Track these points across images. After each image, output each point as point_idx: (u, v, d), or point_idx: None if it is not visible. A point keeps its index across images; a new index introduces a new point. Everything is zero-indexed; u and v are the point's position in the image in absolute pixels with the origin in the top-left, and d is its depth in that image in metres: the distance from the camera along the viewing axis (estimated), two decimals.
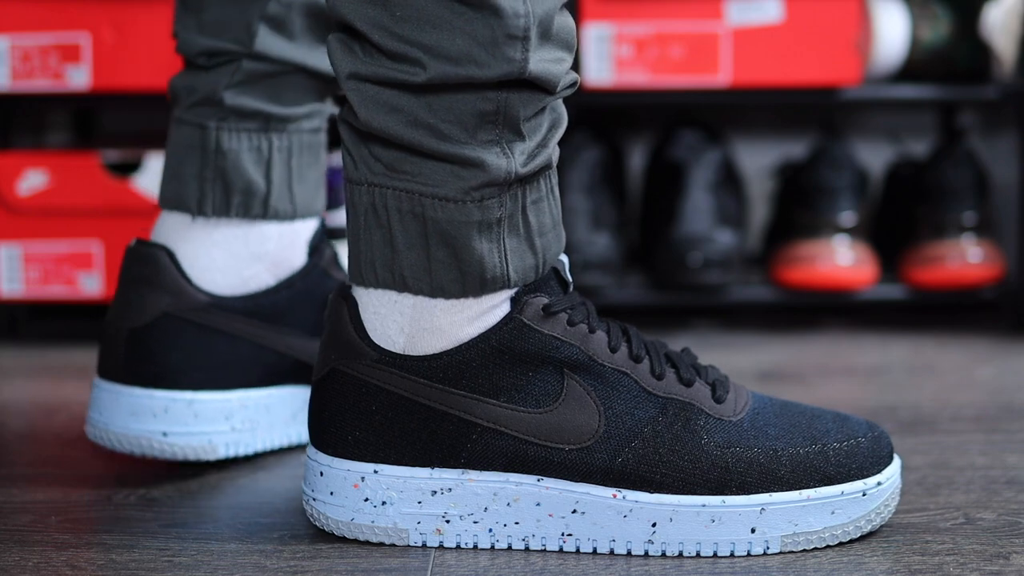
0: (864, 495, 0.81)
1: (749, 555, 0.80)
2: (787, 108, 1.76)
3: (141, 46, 1.40)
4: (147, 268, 0.95)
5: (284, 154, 0.98)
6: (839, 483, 0.81)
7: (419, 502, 0.81)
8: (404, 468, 0.81)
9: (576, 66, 1.44)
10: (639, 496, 0.80)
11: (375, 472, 0.81)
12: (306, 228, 1.01)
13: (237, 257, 0.97)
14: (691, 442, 0.80)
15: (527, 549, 0.81)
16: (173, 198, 0.97)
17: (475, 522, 0.81)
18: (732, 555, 0.80)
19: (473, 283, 0.79)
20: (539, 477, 0.80)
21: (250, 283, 0.98)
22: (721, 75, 1.44)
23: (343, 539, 0.82)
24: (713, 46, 1.43)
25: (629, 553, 0.80)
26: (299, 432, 1.01)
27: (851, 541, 0.82)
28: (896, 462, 0.84)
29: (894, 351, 1.41)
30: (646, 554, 0.80)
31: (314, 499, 0.82)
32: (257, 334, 0.97)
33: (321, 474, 0.82)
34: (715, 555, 0.80)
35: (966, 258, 1.49)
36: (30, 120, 1.67)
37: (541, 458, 0.80)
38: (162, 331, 0.95)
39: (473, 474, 0.80)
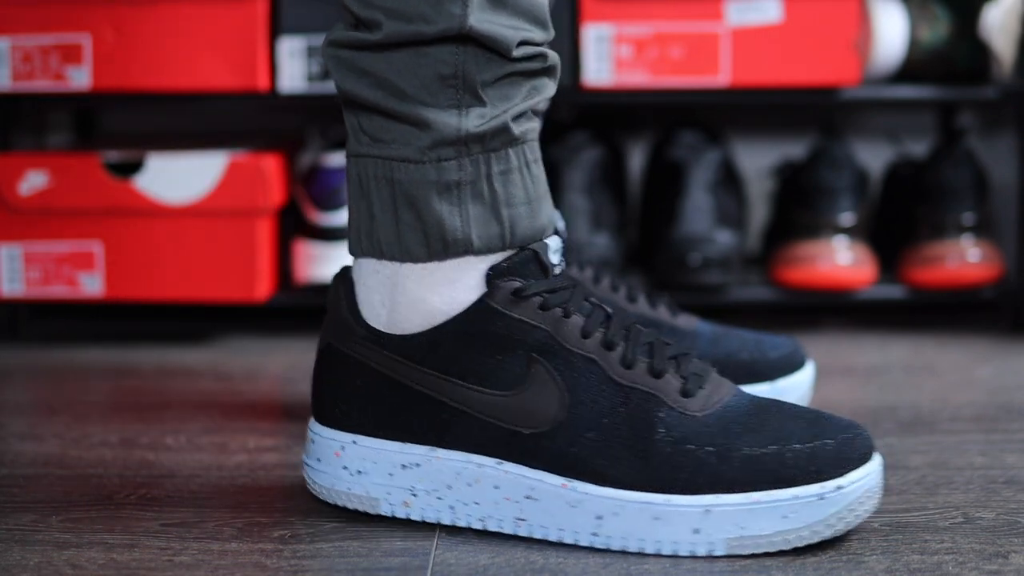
0: (821, 499, 0.79)
1: (693, 556, 0.79)
2: (786, 108, 1.77)
3: (142, 47, 1.40)
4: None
5: None
6: (792, 486, 0.79)
7: (390, 474, 0.84)
8: (379, 441, 0.84)
9: (576, 66, 1.45)
10: (588, 488, 0.80)
11: (354, 443, 0.85)
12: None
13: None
14: (646, 437, 0.80)
15: (485, 530, 0.82)
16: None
17: (439, 498, 0.83)
18: (676, 555, 0.79)
19: (437, 245, 0.82)
20: (500, 460, 0.82)
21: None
22: (721, 75, 1.44)
23: (343, 539, 0.82)
24: (713, 46, 1.43)
25: (576, 544, 0.81)
26: None
27: (850, 540, 0.82)
28: (870, 465, 0.81)
29: (893, 351, 1.41)
30: (592, 547, 0.80)
31: (307, 464, 0.88)
32: None
33: (313, 441, 0.87)
34: (658, 554, 0.79)
35: (965, 258, 1.49)
36: (31, 120, 1.67)
37: (503, 441, 0.81)
38: None
39: (441, 452, 0.83)
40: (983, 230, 1.51)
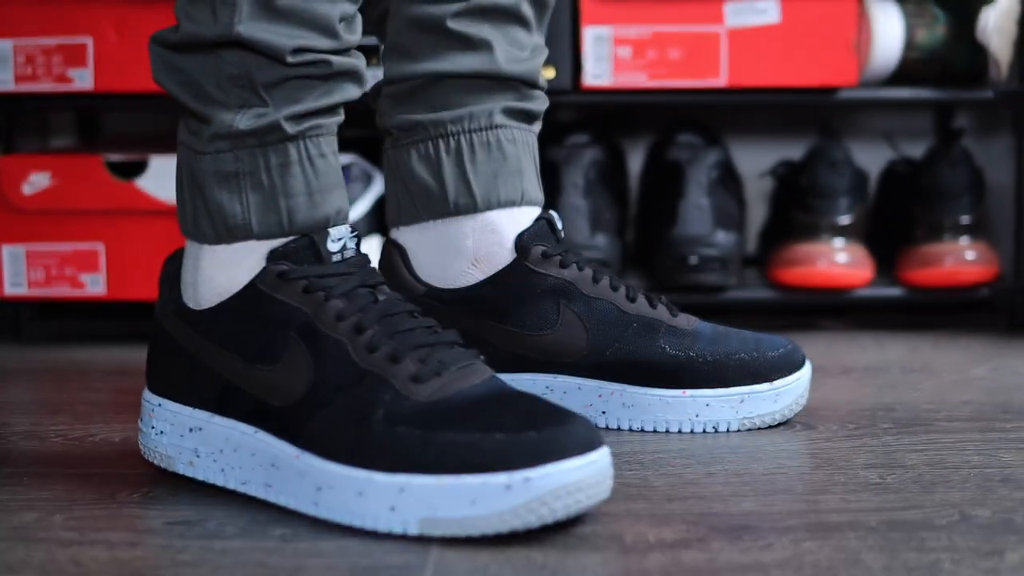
0: (508, 489, 0.79)
1: (391, 533, 0.82)
2: (785, 109, 1.77)
3: (144, 48, 1.40)
4: (382, 262, 1.10)
5: (453, 155, 1.06)
6: (481, 473, 0.80)
7: (181, 436, 0.92)
8: (177, 405, 0.93)
9: (576, 67, 1.46)
10: (312, 460, 0.85)
11: (160, 405, 0.94)
12: (509, 224, 1.07)
13: (444, 253, 1.08)
14: (365, 416, 0.83)
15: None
16: (389, 210, 1.11)
17: (214, 461, 0.91)
18: (376, 531, 0.82)
19: (221, 229, 0.90)
20: (257, 429, 0.89)
21: (460, 278, 1.07)
22: (719, 76, 1.45)
23: (344, 537, 0.83)
24: (711, 48, 1.44)
25: (303, 512, 0.85)
26: None
27: (848, 539, 0.82)
28: (574, 461, 0.80)
29: (891, 351, 1.42)
30: (313, 517, 0.85)
31: (138, 424, 0.97)
32: (469, 324, 1.06)
33: (142, 404, 0.96)
34: (362, 529, 0.82)
35: (962, 258, 1.50)
36: (34, 122, 1.68)
37: (259, 412, 0.88)
38: None
39: (216, 419, 0.91)
40: (979, 230, 1.52)
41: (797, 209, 1.54)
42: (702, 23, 1.44)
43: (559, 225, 1.09)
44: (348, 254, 0.90)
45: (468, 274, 1.08)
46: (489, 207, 1.07)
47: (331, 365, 0.86)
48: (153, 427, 0.94)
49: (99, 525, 0.86)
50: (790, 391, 1.08)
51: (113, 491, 0.92)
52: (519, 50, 1.08)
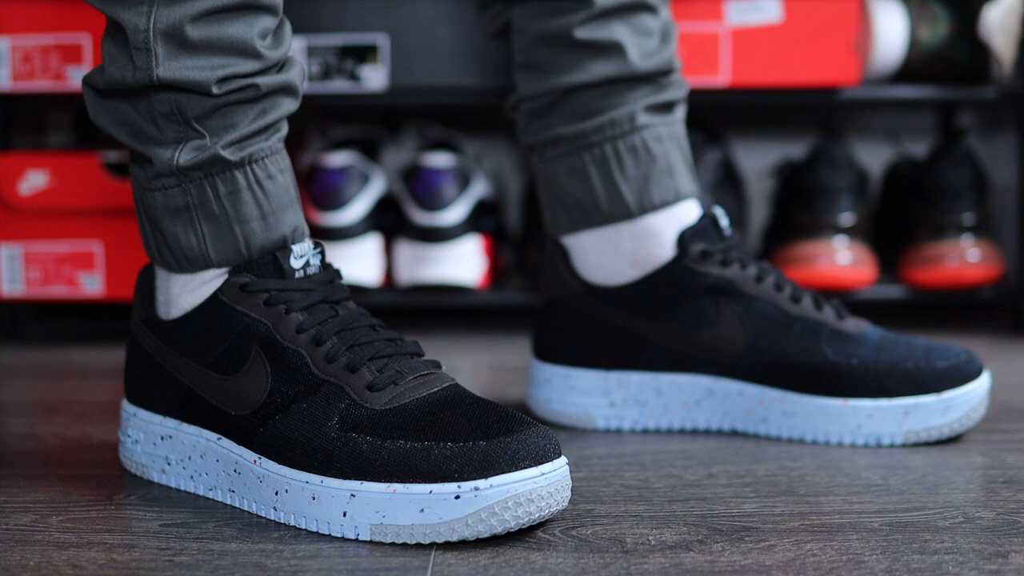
0: (457, 498, 0.80)
1: (344, 538, 0.82)
2: (787, 108, 1.77)
3: None
4: (547, 261, 1.11)
5: (599, 165, 1.06)
6: (430, 481, 0.80)
7: (154, 444, 0.94)
8: (149, 414, 0.94)
9: None
10: (270, 465, 0.86)
11: (135, 415, 0.95)
12: (668, 224, 1.07)
13: (603, 254, 1.08)
14: (320, 423, 0.85)
15: (215, 499, 0.87)
16: (547, 221, 1.12)
17: (183, 468, 0.92)
18: (329, 535, 0.83)
19: (181, 260, 0.91)
20: (220, 436, 0.90)
21: (617, 276, 1.08)
22: (721, 75, 1.44)
23: (343, 539, 0.83)
24: (713, 46, 1.44)
25: (265, 517, 0.86)
26: (695, 419, 1.08)
27: (850, 540, 0.82)
28: (525, 473, 0.80)
29: None
30: (273, 520, 0.86)
31: (118, 434, 0.99)
32: (626, 322, 1.07)
33: (120, 412, 0.98)
34: (317, 532, 0.83)
35: (965, 258, 1.49)
36: (31, 120, 1.67)
37: (220, 419, 0.89)
38: (548, 313, 1.10)
39: (185, 427, 0.92)
40: (983, 230, 1.51)
41: (799, 208, 1.53)
42: (704, 22, 1.43)
43: (724, 222, 1.07)
44: (312, 270, 0.91)
45: (626, 273, 1.07)
46: (644, 212, 1.06)
47: (289, 375, 0.87)
48: (129, 436, 0.96)
49: (96, 527, 0.86)
50: (960, 403, 1.03)
51: (110, 493, 0.92)
52: (649, 39, 1.06)
